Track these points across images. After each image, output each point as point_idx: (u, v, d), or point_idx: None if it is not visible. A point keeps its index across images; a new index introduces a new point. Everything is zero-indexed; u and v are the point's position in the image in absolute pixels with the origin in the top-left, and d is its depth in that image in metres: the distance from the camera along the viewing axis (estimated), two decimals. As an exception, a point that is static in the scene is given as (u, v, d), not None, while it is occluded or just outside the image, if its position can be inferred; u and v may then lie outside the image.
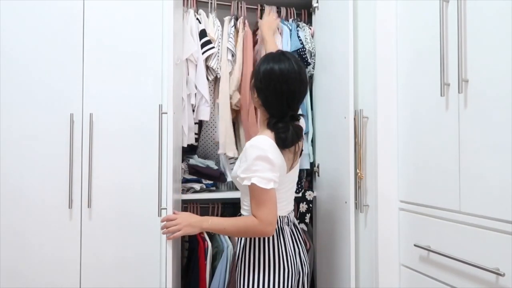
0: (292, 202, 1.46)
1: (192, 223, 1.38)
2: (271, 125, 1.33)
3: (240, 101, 1.98)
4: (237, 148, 2.00)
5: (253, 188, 1.26)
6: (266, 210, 1.26)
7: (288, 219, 1.41)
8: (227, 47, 1.95)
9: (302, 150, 1.48)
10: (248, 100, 1.91)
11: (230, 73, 1.96)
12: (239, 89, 1.98)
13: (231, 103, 1.97)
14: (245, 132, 2.00)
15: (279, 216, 1.36)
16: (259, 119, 1.41)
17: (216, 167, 1.98)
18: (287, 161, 1.34)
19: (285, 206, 1.40)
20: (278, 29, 2.06)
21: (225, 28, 1.98)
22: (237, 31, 2.01)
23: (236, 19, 2.03)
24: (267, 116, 1.36)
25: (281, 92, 1.31)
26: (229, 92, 1.95)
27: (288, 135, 1.31)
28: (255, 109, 1.48)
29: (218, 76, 1.96)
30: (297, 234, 1.43)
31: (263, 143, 1.28)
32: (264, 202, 1.26)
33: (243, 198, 1.42)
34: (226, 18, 2.01)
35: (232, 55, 1.97)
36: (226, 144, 1.95)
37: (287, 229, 1.39)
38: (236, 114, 2.05)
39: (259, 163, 1.25)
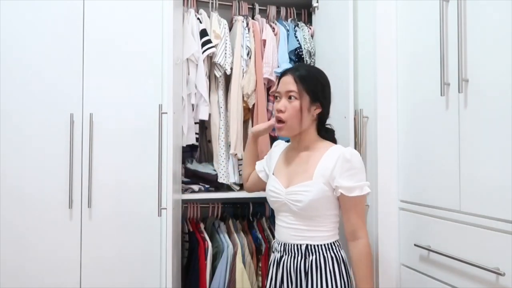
0: None
1: None
2: (331, 132, 1.40)
3: (256, 102, 1.98)
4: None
5: (360, 199, 1.26)
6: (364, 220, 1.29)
7: None
8: (246, 45, 1.97)
9: None
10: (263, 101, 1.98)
11: (245, 72, 1.97)
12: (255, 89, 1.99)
13: (247, 102, 1.97)
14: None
15: (338, 241, 1.35)
16: (310, 138, 1.36)
17: (214, 173, 1.97)
18: None
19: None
20: (273, 30, 2.06)
21: (238, 26, 1.99)
22: (248, 29, 2.02)
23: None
24: (317, 130, 1.38)
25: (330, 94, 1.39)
26: (247, 91, 1.95)
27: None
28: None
29: (228, 73, 1.96)
30: None
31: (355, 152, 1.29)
32: (363, 211, 1.29)
33: (310, 220, 1.29)
34: (239, 17, 2.01)
35: (248, 54, 1.97)
36: (237, 145, 1.94)
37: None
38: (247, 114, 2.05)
39: (363, 173, 1.28)
